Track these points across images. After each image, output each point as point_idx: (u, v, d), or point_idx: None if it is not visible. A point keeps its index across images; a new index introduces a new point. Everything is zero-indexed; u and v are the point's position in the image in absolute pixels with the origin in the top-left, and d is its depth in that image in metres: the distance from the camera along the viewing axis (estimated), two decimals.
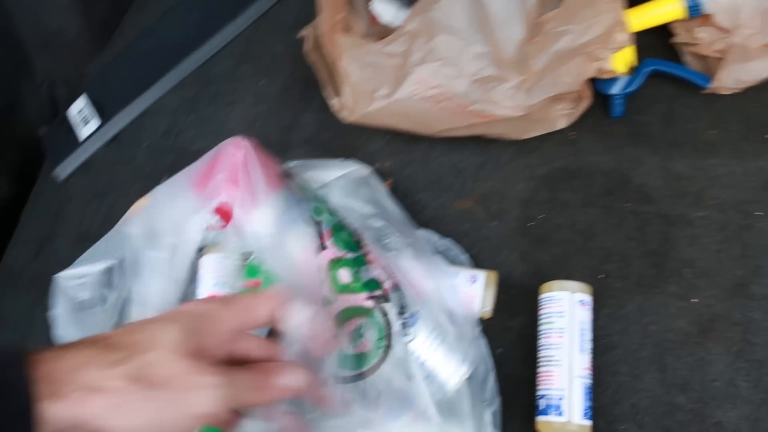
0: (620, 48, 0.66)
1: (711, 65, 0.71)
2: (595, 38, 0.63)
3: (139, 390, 0.35)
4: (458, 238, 0.70)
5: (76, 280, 0.68)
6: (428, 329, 0.57)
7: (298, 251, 0.53)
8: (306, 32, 0.77)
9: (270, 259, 0.53)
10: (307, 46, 0.76)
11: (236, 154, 0.58)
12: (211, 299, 0.44)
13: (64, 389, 0.34)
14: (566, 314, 0.60)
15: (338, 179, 0.68)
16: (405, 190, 0.74)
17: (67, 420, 0.34)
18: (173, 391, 0.35)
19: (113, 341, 0.36)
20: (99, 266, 0.68)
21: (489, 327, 0.66)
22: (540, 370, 0.61)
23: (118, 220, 0.72)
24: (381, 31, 0.78)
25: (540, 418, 0.59)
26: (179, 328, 0.37)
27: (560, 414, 0.58)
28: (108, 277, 0.68)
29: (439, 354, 0.55)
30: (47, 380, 0.33)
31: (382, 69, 0.66)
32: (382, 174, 0.75)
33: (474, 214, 0.71)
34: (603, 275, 0.66)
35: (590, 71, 0.65)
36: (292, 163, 0.70)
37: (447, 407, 0.56)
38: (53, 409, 0.33)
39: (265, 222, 0.53)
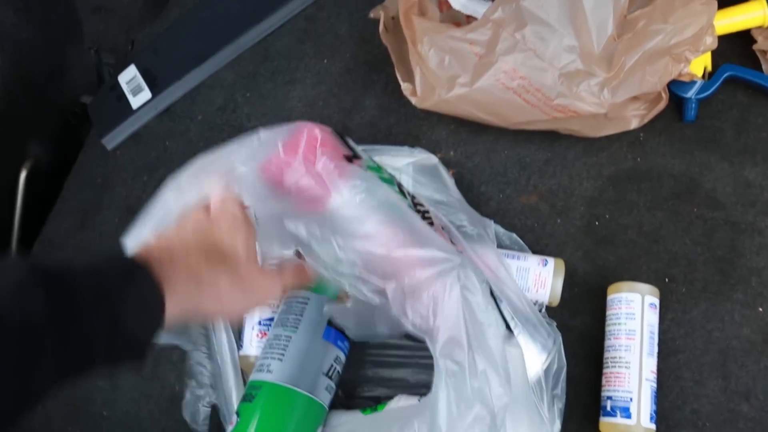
0: (707, 51, 0.66)
1: None
2: (686, 39, 0.63)
3: (237, 289, 0.48)
4: (522, 232, 0.70)
5: None
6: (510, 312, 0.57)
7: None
8: (378, 13, 0.77)
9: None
10: (381, 27, 0.76)
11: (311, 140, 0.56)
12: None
13: (182, 284, 0.44)
14: (637, 316, 0.61)
15: (406, 167, 0.68)
16: (469, 182, 0.74)
17: (185, 306, 0.44)
18: (255, 289, 0.50)
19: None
20: None
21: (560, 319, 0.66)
22: (606, 371, 0.61)
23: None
24: (450, 17, 0.78)
25: (605, 419, 0.60)
26: (246, 244, 0.50)
27: (628, 416, 0.58)
28: None
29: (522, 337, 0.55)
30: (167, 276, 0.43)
31: (464, 55, 0.66)
32: (446, 164, 0.75)
33: (539, 210, 0.72)
34: (668, 279, 0.67)
35: (675, 72, 0.65)
36: (361, 147, 0.70)
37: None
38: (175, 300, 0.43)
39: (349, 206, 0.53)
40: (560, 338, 0.60)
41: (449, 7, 0.78)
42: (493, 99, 0.66)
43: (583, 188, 0.72)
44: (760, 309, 0.65)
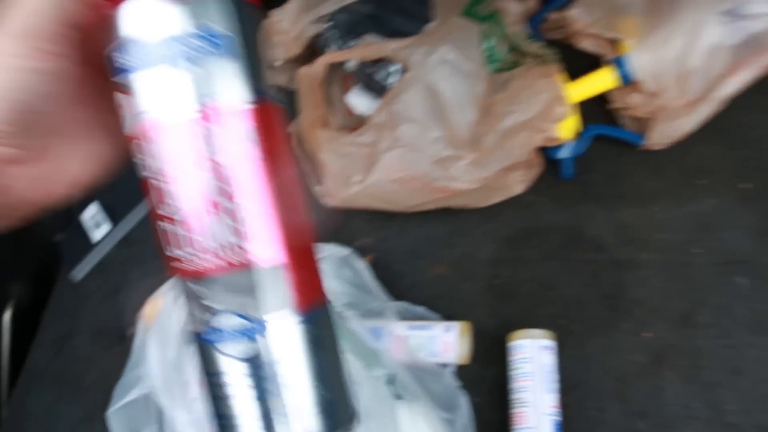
0: (562, 119, 0.79)
1: (644, 125, 0.83)
2: (536, 114, 0.76)
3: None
4: (434, 300, 0.82)
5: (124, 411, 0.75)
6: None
7: None
8: (290, 129, 0.91)
9: None
10: (293, 141, 0.90)
11: None
12: None
13: None
14: (532, 360, 0.71)
15: (322, 261, 0.80)
16: (385, 262, 0.86)
17: None
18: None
19: None
20: (135, 395, 0.74)
21: (467, 378, 0.77)
22: (512, 412, 0.71)
23: (132, 316, 0.83)
24: (356, 121, 0.91)
25: None
26: None
27: None
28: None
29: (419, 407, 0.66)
30: None
31: (356, 157, 0.80)
32: (364, 250, 0.87)
33: (447, 278, 0.83)
34: (565, 321, 0.77)
35: (537, 142, 0.78)
36: None
37: None
38: None
39: None
40: (465, 396, 0.70)
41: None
42: (383, 191, 0.78)
43: (484, 252, 0.84)
44: (647, 334, 0.75)
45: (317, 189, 0.85)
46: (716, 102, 0.79)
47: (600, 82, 0.84)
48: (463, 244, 0.85)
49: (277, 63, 0.97)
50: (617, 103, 0.85)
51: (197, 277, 0.32)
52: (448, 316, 0.80)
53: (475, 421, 0.73)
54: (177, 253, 0.32)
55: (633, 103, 0.83)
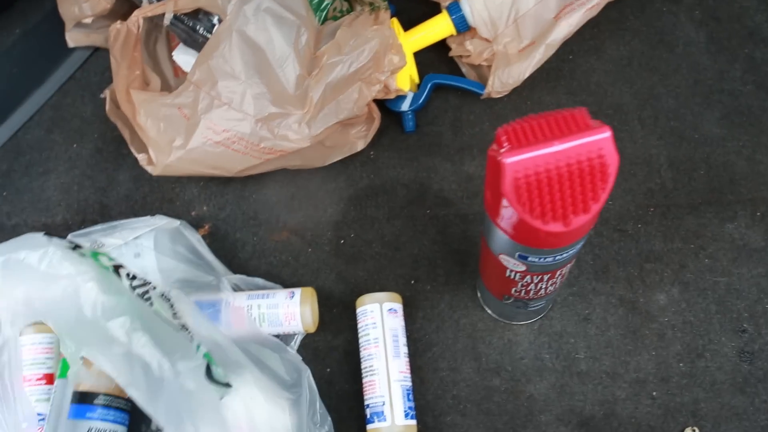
0: (396, 68, 0.69)
1: (484, 73, 0.76)
2: (366, 64, 0.66)
3: None
4: (278, 268, 0.71)
5: None
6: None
7: None
8: (105, 93, 0.76)
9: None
10: (108, 106, 0.75)
11: None
12: None
13: None
14: (378, 324, 0.63)
15: (148, 236, 0.67)
16: (224, 232, 0.74)
17: None
18: None
19: None
20: None
21: (316, 348, 0.67)
22: (364, 380, 0.62)
23: None
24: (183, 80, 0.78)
25: (368, 427, 0.61)
26: None
27: (384, 419, 0.59)
28: None
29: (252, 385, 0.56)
30: None
31: (175, 120, 0.66)
32: (201, 219, 0.75)
33: (291, 244, 0.72)
34: (414, 281, 0.69)
35: (371, 94, 0.68)
36: (97, 227, 0.69)
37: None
38: None
39: None
40: (307, 371, 0.61)
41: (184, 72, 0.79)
42: (208, 155, 0.66)
43: (328, 214, 0.73)
44: None
45: (140, 158, 0.71)
46: (550, 46, 0.72)
47: (436, 29, 0.76)
48: (306, 206, 0.74)
49: (87, 20, 0.81)
50: (455, 51, 0.77)
51: None
52: (294, 284, 0.70)
53: (327, 393, 0.64)
54: None
55: (470, 51, 0.75)
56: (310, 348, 0.67)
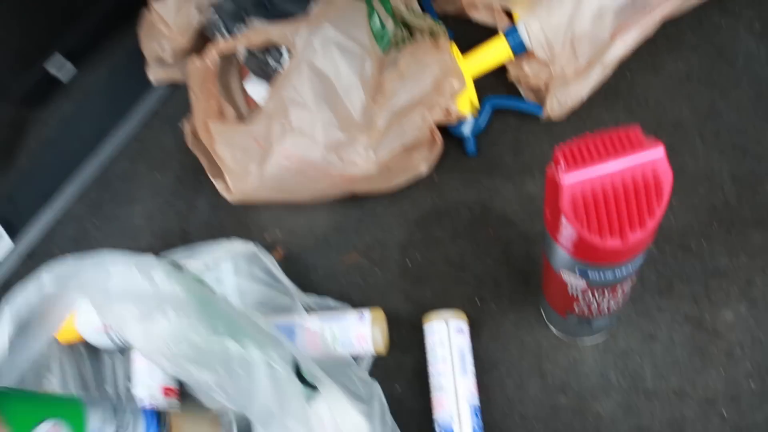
0: (456, 93, 0.72)
1: (542, 95, 0.77)
2: (428, 89, 0.69)
3: None
4: (348, 289, 0.74)
5: None
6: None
7: None
8: (185, 125, 0.81)
9: None
10: (187, 136, 0.80)
11: None
12: None
13: None
14: (445, 343, 0.65)
15: (227, 261, 0.71)
16: (296, 255, 0.77)
17: None
18: None
19: None
20: None
21: (386, 366, 0.69)
22: (432, 398, 0.64)
23: None
24: (257, 110, 0.83)
25: None
26: None
27: None
28: None
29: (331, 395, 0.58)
30: None
31: (250, 149, 0.71)
32: (274, 243, 0.79)
33: (360, 266, 0.75)
34: (479, 300, 0.71)
35: (432, 118, 0.70)
36: (178, 251, 0.73)
37: None
38: None
39: None
40: (378, 386, 0.63)
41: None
42: (281, 182, 0.70)
43: (395, 236, 0.76)
44: None
45: (218, 185, 0.76)
46: (606, 66, 0.73)
47: (494, 53, 0.78)
48: (373, 229, 0.77)
49: (167, 57, 0.87)
50: (514, 75, 0.79)
51: None
52: (363, 304, 0.72)
53: (397, 411, 0.66)
54: None
55: (528, 73, 0.77)
56: (381, 367, 0.70)
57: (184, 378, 0.54)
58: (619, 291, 0.53)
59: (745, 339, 0.65)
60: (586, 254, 0.46)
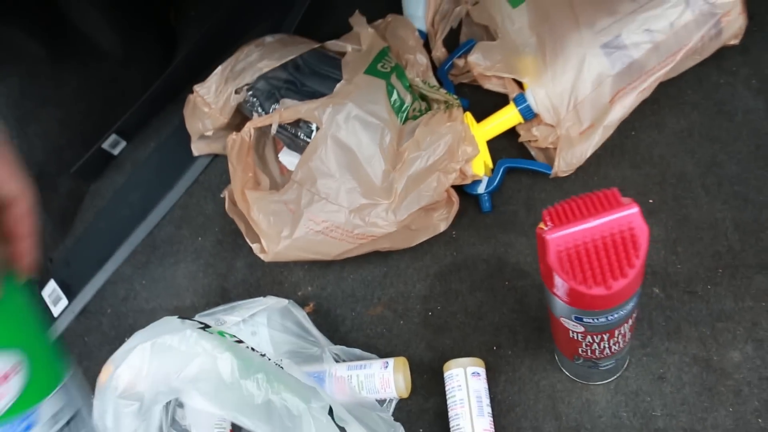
0: (470, 158, 0.78)
1: (551, 155, 0.83)
2: (442, 156, 0.76)
3: None
4: (374, 340, 0.79)
5: None
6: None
7: None
8: (224, 193, 0.89)
9: None
10: (227, 204, 0.88)
11: None
12: None
13: None
14: (463, 387, 0.69)
15: (261, 314, 0.78)
16: (326, 309, 0.84)
17: None
18: None
19: None
20: None
21: (409, 411, 0.74)
22: None
23: (92, 384, 0.80)
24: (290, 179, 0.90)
25: None
26: None
27: None
28: None
29: None
30: None
31: (283, 214, 0.78)
32: (306, 298, 0.85)
33: (385, 317, 0.81)
34: (496, 347, 0.76)
35: (448, 182, 0.77)
36: (219, 308, 0.80)
37: None
38: None
39: None
40: (401, 429, 0.68)
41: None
42: (310, 243, 0.77)
43: (417, 289, 0.82)
44: None
45: (254, 247, 0.83)
46: (608, 127, 0.79)
47: (505, 119, 0.84)
48: (397, 283, 0.83)
49: (208, 133, 0.96)
50: (524, 137, 0.85)
51: None
52: (388, 353, 0.78)
53: None
54: None
55: (537, 136, 0.83)
56: (404, 411, 0.75)
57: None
58: (617, 334, 0.57)
59: (753, 378, 0.68)
60: (578, 302, 0.51)
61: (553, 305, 0.55)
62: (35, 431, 0.41)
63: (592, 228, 0.47)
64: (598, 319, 0.53)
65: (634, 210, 0.47)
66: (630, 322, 0.57)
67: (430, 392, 0.75)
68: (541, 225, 0.50)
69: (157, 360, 0.67)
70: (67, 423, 0.43)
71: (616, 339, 0.58)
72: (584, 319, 0.53)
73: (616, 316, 0.53)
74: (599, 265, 0.47)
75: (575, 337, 0.58)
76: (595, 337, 0.57)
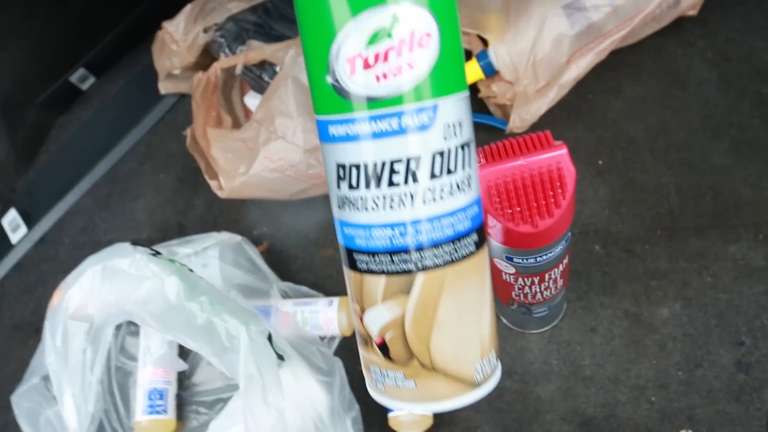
0: None
1: (508, 111, 0.85)
2: None
3: None
4: (323, 280, 0.81)
5: (25, 395, 0.73)
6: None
7: None
8: (187, 131, 0.89)
9: None
10: (188, 141, 0.88)
11: None
12: None
13: None
14: None
15: (214, 248, 0.79)
16: (279, 249, 0.85)
17: None
18: None
19: None
20: (36, 379, 0.73)
21: (351, 349, 0.76)
22: None
23: (45, 310, 0.81)
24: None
25: (389, 415, 0.69)
26: None
27: (403, 409, 0.68)
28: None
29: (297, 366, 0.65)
30: None
31: (240, 152, 0.79)
32: (261, 238, 0.86)
33: (335, 259, 0.83)
34: None
35: None
36: (173, 241, 0.81)
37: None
38: None
39: None
40: (339, 362, 0.70)
41: None
42: (265, 180, 0.78)
43: None
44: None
45: (212, 183, 0.84)
46: (563, 86, 0.80)
47: (467, 74, 0.85)
48: None
49: (176, 71, 0.96)
50: (484, 93, 0.86)
51: None
52: (336, 293, 0.79)
53: (358, 388, 0.72)
54: None
55: (495, 92, 0.84)
56: (346, 349, 0.76)
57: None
58: (548, 279, 0.59)
59: (678, 334, 0.71)
60: (508, 240, 0.53)
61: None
62: (430, 132, 0.33)
63: (522, 165, 0.48)
64: (527, 259, 0.54)
65: (563, 151, 0.48)
66: (560, 267, 0.59)
67: None
68: None
69: (107, 283, 0.69)
70: (462, 147, 0.34)
71: (547, 284, 0.60)
72: (514, 260, 0.55)
73: (545, 257, 0.55)
74: (527, 203, 0.48)
75: (508, 279, 0.60)
76: (526, 279, 0.59)
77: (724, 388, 0.68)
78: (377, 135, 0.32)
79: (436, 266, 0.34)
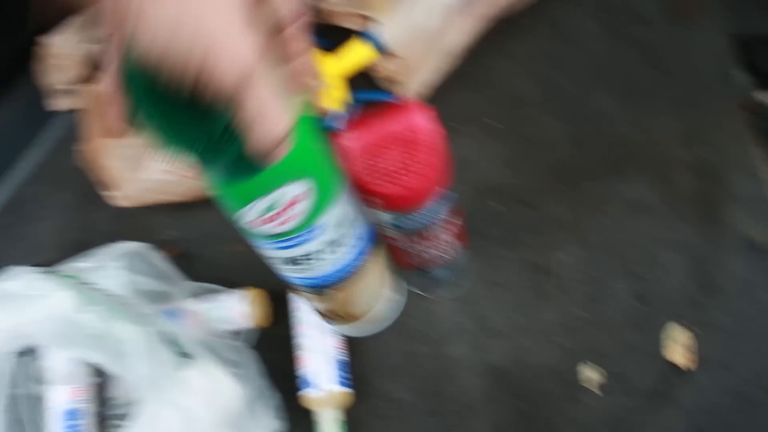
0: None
1: (398, 85, 0.85)
2: None
3: None
4: (231, 275, 0.80)
5: None
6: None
7: None
8: (79, 145, 0.88)
9: None
10: (82, 157, 0.87)
11: None
12: None
13: None
14: (302, 308, 0.72)
15: (117, 259, 0.77)
16: (190, 251, 0.84)
17: None
18: None
19: None
20: None
21: (264, 338, 0.76)
22: (300, 356, 0.71)
23: None
24: None
25: (300, 393, 0.70)
26: None
27: (318, 389, 0.68)
28: None
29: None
30: None
31: (128, 158, 0.78)
32: (169, 242, 0.85)
33: (243, 253, 0.81)
34: None
35: None
36: (77, 258, 0.80)
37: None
38: None
39: None
40: (253, 354, 0.70)
41: None
42: (162, 183, 0.77)
43: None
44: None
45: (108, 195, 0.83)
46: (450, 54, 0.81)
47: (355, 54, 0.86)
48: None
49: (67, 87, 0.94)
50: (378, 72, 0.86)
51: None
52: (245, 284, 0.79)
53: (274, 373, 0.72)
54: None
55: (388, 69, 0.85)
56: (258, 339, 0.76)
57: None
58: (435, 239, 0.60)
59: (578, 275, 0.73)
60: (388, 205, 0.53)
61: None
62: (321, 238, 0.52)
63: (380, 128, 0.49)
64: (405, 221, 0.55)
65: (427, 115, 0.50)
66: (448, 227, 0.60)
67: (280, 318, 0.77)
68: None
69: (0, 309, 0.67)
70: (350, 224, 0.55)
71: (435, 244, 0.61)
72: (398, 224, 0.56)
73: (424, 218, 0.56)
74: (392, 165, 0.49)
75: (403, 247, 0.61)
76: (412, 240, 0.60)
77: (623, 319, 0.70)
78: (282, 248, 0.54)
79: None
